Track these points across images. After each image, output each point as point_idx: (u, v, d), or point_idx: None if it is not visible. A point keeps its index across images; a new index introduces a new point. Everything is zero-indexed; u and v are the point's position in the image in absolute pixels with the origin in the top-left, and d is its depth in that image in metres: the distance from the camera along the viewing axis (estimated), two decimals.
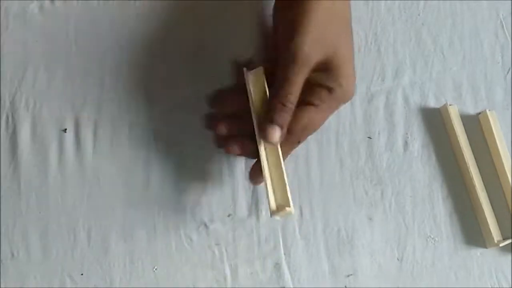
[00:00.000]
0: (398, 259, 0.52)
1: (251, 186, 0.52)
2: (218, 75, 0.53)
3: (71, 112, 0.53)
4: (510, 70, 0.55)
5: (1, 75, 0.52)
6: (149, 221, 0.51)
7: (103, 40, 0.54)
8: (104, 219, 0.51)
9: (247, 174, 0.52)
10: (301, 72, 0.45)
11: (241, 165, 0.52)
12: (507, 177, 0.52)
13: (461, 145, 0.52)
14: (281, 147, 0.47)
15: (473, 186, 0.52)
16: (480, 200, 0.51)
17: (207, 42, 0.53)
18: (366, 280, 0.51)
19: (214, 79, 0.53)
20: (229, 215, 0.52)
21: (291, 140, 0.48)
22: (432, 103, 0.54)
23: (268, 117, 0.46)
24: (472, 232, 0.52)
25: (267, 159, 0.47)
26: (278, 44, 0.48)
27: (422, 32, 0.56)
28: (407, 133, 0.54)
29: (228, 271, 0.51)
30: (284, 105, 0.45)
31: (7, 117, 0.52)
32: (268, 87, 0.48)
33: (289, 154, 0.50)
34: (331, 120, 0.52)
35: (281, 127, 0.46)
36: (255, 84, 0.49)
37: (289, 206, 0.45)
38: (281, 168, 0.46)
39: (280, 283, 0.51)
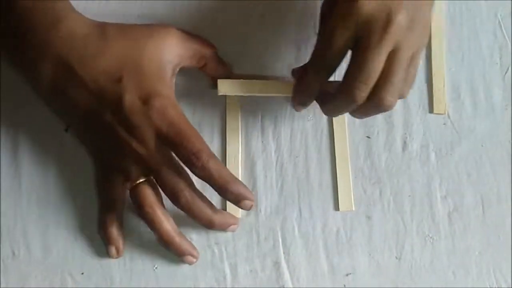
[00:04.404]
0: (396, 258, 0.52)
1: (250, 185, 0.52)
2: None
3: None
4: (509, 70, 0.55)
5: (2, 75, 0.52)
6: None
7: None
8: None
9: (246, 174, 0.52)
10: None
11: (240, 164, 0.53)
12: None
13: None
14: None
15: None
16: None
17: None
18: (364, 279, 0.52)
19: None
20: None
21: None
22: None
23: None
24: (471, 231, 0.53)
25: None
26: None
27: None
28: (405, 133, 0.54)
29: (227, 270, 0.51)
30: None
31: (9, 117, 0.52)
32: None
33: None
34: None
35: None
36: None
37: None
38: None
39: (279, 282, 0.51)
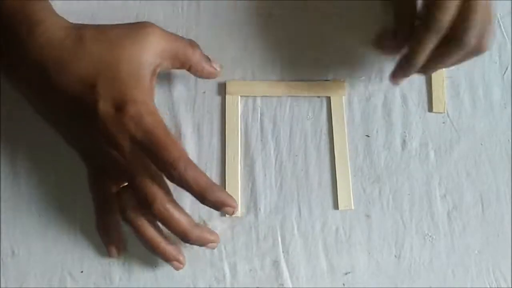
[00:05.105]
0: (395, 256, 0.52)
1: (250, 184, 0.52)
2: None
3: None
4: (508, 69, 0.55)
5: (1, 74, 0.52)
6: None
7: None
8: None
9: (245, 173, 0.52)
10: None
11: (240, 163, 0.53)
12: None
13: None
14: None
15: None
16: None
17: (205, 43, 0.53)
18: (363, 278, 0.52)
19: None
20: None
21: None
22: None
23: None
24: (470, 230, 0.53)
25: None
26: None
27: None
28: (405, 132, 0.54)
29: (227, 269, 0.51)
30: None
31: (8, 117, 0.53)
32: None
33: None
34: None
35: None
36: None
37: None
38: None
39: (278, 280, 0.51)
